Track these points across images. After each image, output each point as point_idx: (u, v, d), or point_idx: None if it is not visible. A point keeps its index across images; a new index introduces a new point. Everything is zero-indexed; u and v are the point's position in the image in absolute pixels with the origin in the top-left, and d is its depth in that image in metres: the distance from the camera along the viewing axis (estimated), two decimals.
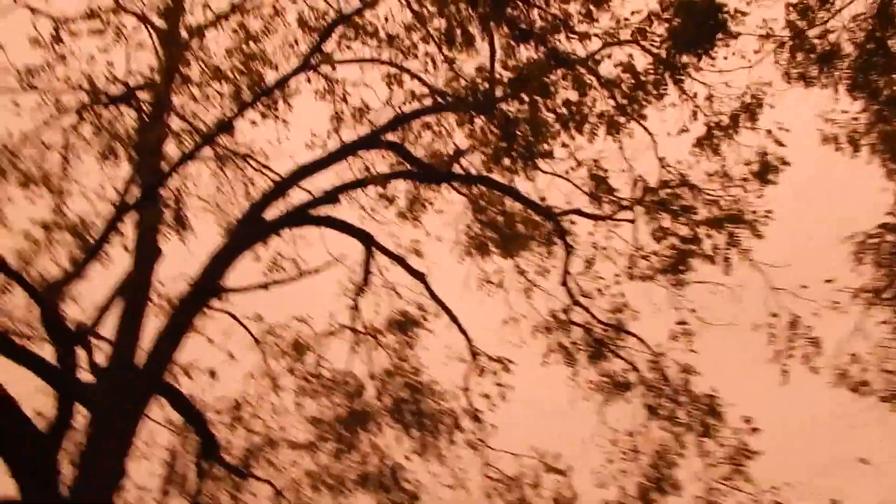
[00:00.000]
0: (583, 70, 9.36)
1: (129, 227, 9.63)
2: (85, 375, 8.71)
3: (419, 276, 11.37)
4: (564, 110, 9.51)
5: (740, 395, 11.19)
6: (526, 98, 9.30)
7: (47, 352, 8.45)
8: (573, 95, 9.43)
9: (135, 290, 9.38)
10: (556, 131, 9.63)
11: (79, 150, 10.21)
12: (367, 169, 10.89)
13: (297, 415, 12.01)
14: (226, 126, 9.34)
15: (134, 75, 10.08)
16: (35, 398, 7.86)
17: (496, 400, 11.68)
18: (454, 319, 11.70)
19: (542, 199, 10.97)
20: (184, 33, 9.99)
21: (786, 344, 10.12)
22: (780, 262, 10.21)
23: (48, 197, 9.78)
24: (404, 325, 11.89)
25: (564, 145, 9.98)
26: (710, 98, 9.89)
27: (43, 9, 9.37)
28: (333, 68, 10.30)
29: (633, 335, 11.48)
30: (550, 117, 9.52)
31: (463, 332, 11.83)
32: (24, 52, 9.38)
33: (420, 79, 10.08)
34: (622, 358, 11.53)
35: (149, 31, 10.33)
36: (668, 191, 10.49)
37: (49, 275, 9.09)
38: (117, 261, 9.86)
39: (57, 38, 9.42)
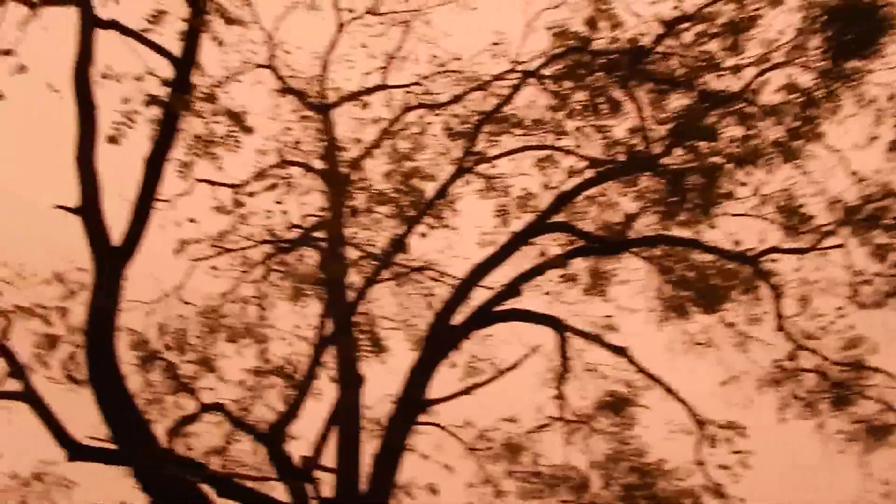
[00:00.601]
0: (742, 104, 8.85)
1: (330, 358, 10.09)
2: None
3: (620, 351, 10.85)
4: (733, 149, 8.99)
5: None
6: (690, 146, 8.90)
7: (279, 491, 8.92)
8: (738, 131, 8.91)
9: (347, 419, 9.66)
10: (729, 171, 9.08)
11: (272, 298, 10.99)
12: (542, 254, 10.77)
13: None
14: (398, 245, 9.64)
15: (307, 217, 10.76)
16: None
17: (737, 469, 10.65)
18: (668, 390, 10.98)
19: (736, 244, 10.27)
20: (344, 169, 10.60)
21: None
22: None
23: (253, 346, 10.50)
24: (615, 405, 11.31)
25: (743, 184, 9.39)
26: (893, 97, 8.96)
27: (219, 179, 10.33)
28: (490, 164, 10.45)
29: (879, 370, 10.20)
30: (720, 159, 9.01)
31: (681, 401, 11.05)
32: (210, 220, 10.36)
33: (574, 153, 9.95)
34: (872, 398, 10.25)
35: (312, 174, 11.12)
36: (874, 205, 9.46)
37: (267, 418, 9.61)
38: (325, 392, 10.31)
39: (237, 203, 10.34)
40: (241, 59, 10.83)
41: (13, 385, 8.46)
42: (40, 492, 10.36)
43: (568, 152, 10.07)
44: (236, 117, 7.74)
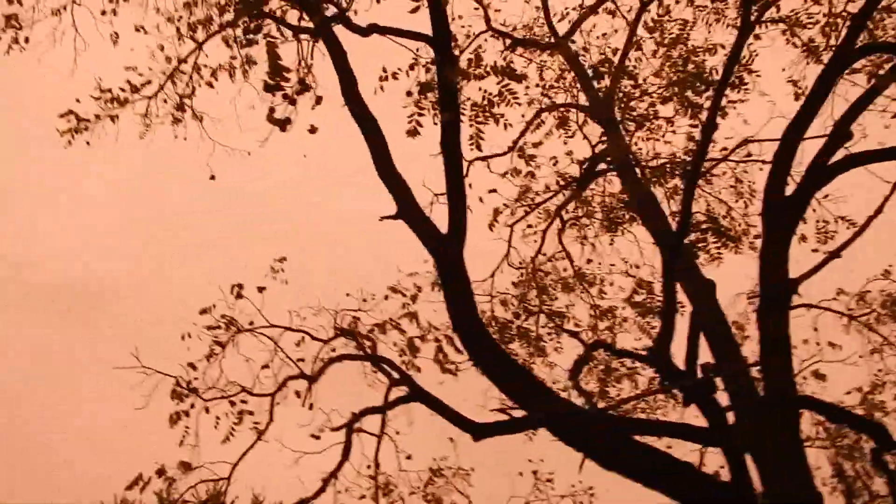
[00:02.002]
0: None
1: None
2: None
3: None
4: None
5: None
6: None
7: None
8: None
9: (713, 325, 9.17)
10: None
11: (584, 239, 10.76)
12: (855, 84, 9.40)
13: None
14: (709, 129, 8.76)
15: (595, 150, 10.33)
16: None
17: None
18: None
19: None
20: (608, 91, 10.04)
21: None
22: None
23: (588, 290, 10.37)
24: None
25: None
26: None
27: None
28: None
29: None
30: None
31: None
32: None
33: None
34: None
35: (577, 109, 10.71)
36: None
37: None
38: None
39: (527, 158, 10.27)
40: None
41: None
42: (442, 486, 11.10)
43: None
44: (507, 71, 7.59)
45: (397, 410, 9.03)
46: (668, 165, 9.65)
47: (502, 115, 8.37)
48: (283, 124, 6.02)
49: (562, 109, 10.87)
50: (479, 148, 8.34)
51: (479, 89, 7.94)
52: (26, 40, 9.01)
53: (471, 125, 8.14)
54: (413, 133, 6.96)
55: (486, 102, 8.20)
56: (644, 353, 8.39)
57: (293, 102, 6.25)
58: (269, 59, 5.47)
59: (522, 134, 10.55)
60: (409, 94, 6.96)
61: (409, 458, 9.69)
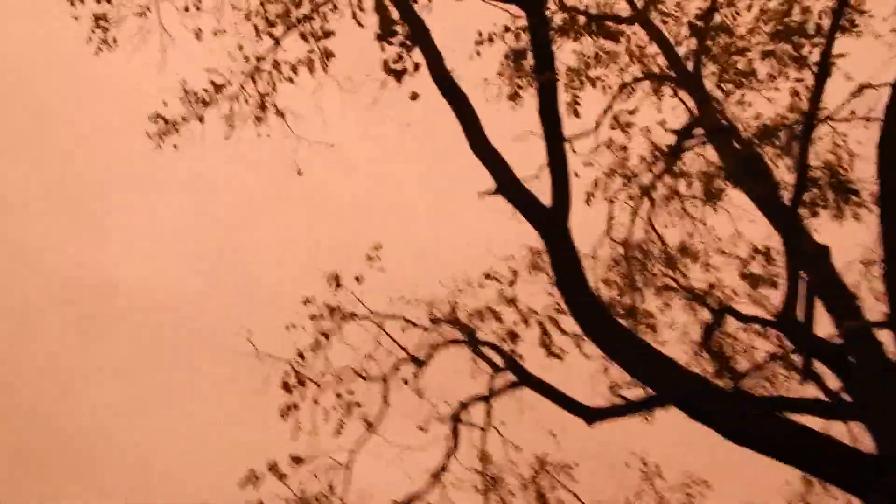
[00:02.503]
0: None
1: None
2: None
3: None
4: None
5: None
6: None
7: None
8: None
9: (833, 290, 8.55)
10: None
11: (683, 209, 10.23)
12: None
13: None
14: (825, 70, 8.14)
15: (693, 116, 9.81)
16: None
17: None
18: None
19: None
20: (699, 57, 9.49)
21: None
22: None
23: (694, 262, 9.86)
24: None
25: None
26: None
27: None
28: None
29: None
30: None
31: None
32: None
33: None
34: None
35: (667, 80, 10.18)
36: None
37: None
38: None
39: (622, 126, 9.82)
40: None
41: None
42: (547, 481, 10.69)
43: None
44: (602, 27, 7.19)
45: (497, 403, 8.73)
46: (773, 126, 9.01)
47: (598, 78, 7.96)
48: (400, 74, 5.80)
49: (649, 82, 10.39)
50: (576, 114, 7.94)
51: (574, 51, 7.55)
52: (114, 41, 9.04)
53: (566, 90, 7.78)
54: (513, 97, 6.63)
55: (583, 64, 7.77)
56: (771, 318, 7.87)
57: (404, 55, 6.01)
58: (378, 12, 5.25)
59: (610, 106, 10.09)
60: (506, 56, 6.63)
61: (518, 449, 9.35)
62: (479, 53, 7.10)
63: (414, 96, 6.42)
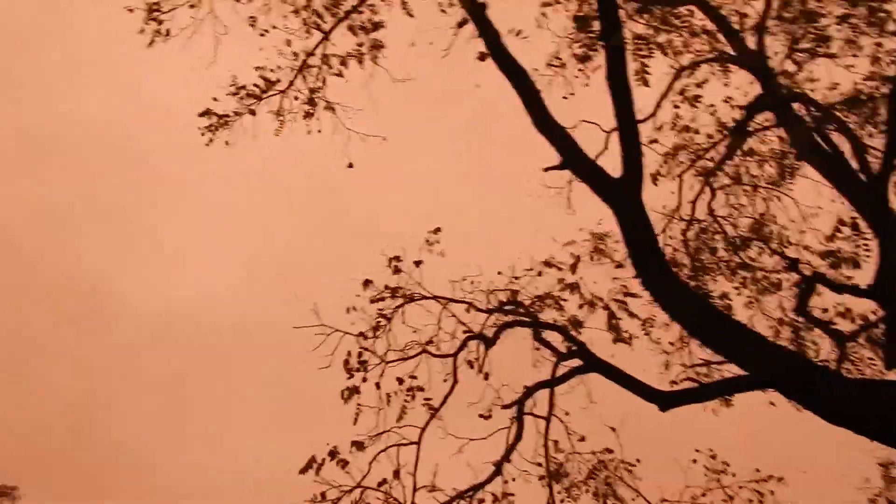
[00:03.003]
0: None
1: None
2: None
3: None
4: None
5: None
6: None
7: None
8: None
9: None
10: None
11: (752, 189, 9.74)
12: None
13: None
14: None
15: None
16: None
17: None
18: None
19: None
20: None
21: None
22: None
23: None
24: None
25: None
26: None
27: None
28: None
29: None
30: None
31: None
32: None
33: None
34: None
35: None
36: None
37: None
38: None
39: (690, 101, 9.40)
40: None
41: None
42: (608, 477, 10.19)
43: None
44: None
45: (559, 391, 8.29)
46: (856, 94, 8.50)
47: (667, 44, 7.57)
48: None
49: (711, 63, 9.94)
50: (645, 83, 7.56)
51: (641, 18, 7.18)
52: (167, 33, 8.92)
53: (634, 59, 7.40)
54: (584, 58, 6.31)
55: (646, 36, 7.36)
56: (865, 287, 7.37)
57: None
58: None
59: (669, 87, 9.67)
60: (575, 18, 6.32)
61: (582, 439, 8.89)
62: (544, 15, 6.79)
63: (482, 57, 6.17)
